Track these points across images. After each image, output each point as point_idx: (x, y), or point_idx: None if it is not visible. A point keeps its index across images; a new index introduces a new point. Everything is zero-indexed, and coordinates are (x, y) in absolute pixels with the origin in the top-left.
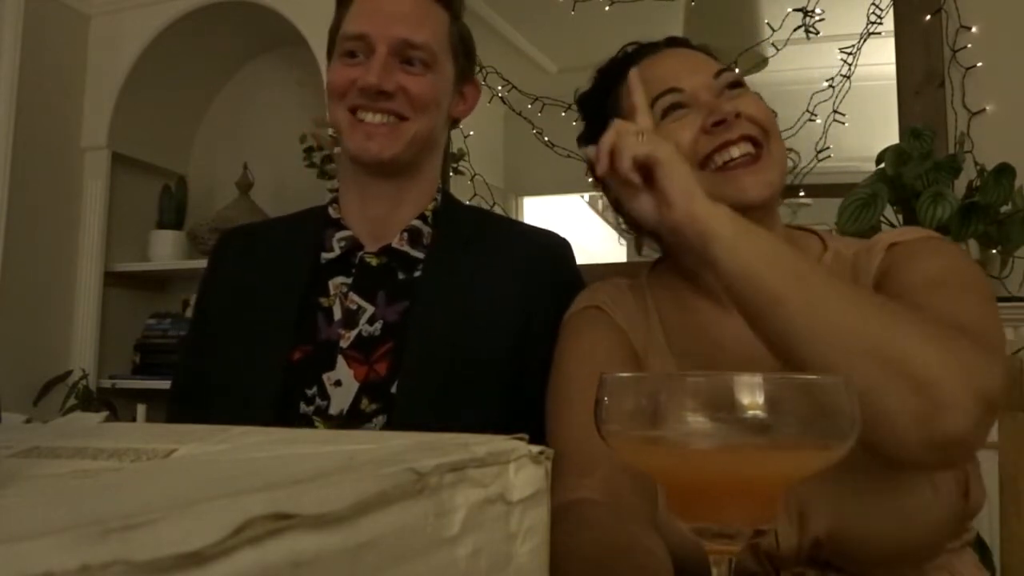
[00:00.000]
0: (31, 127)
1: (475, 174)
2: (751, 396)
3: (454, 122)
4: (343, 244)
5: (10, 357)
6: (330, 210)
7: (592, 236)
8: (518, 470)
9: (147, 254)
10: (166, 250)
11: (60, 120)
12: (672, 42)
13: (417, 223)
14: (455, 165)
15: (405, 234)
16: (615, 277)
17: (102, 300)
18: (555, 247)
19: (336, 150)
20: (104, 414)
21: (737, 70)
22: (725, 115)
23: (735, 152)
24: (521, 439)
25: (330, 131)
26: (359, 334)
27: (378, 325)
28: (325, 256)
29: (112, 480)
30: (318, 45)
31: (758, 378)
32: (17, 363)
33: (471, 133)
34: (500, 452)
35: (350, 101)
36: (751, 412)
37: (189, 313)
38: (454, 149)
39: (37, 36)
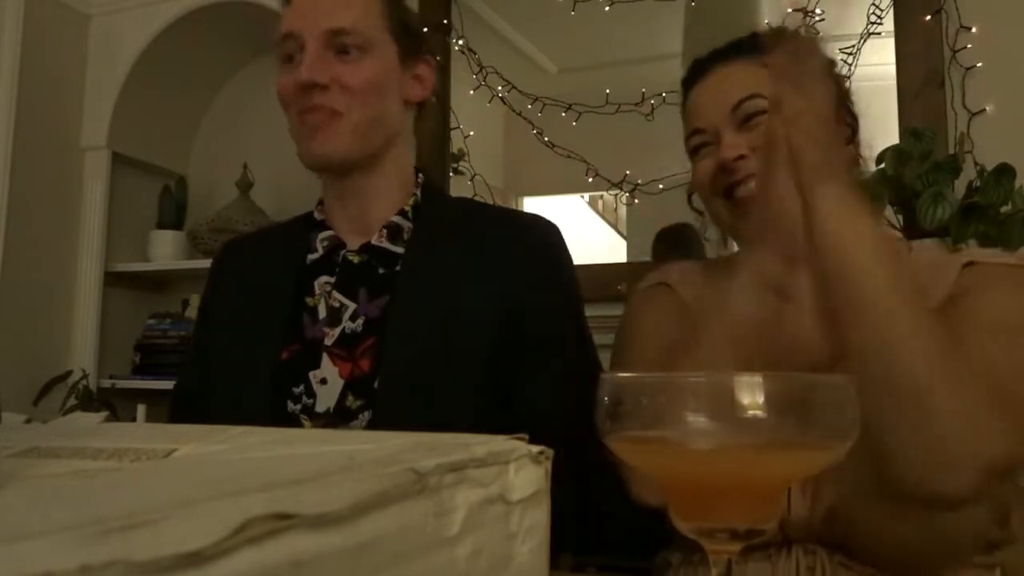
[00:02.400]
0: (31, 127)
1: (475, 174)
2: (751, 396)
3: (418, 107)
4: (325, 243)
5: (10, 357)
6: (315, 213)
7: (592, 236)
8: (518, 470)
9: (147, 254)
10: (166, 250)
11: (60, 120)
12: (724, 54)
13: (397, 219)
14: (455, 165)
15: (384, 230)
16: (686, 262)
17: (102, 300)
18: (540, 232)
19: None
20: (104, 414)
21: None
22: (724, 161)
23: (741, 192)
24: (521, 439)
25: None
26: (343, 331)
27: (360, 321)
28: (310, 257)
29: (112, 480)
30: None
31: (758, 378)
32: (17, 363)
33: (471, 133)
34: (500, 452)
35: (297, 105)
36: (751, 412)
37: (189, 313)
38: (454, 149)
39: (37, 36)
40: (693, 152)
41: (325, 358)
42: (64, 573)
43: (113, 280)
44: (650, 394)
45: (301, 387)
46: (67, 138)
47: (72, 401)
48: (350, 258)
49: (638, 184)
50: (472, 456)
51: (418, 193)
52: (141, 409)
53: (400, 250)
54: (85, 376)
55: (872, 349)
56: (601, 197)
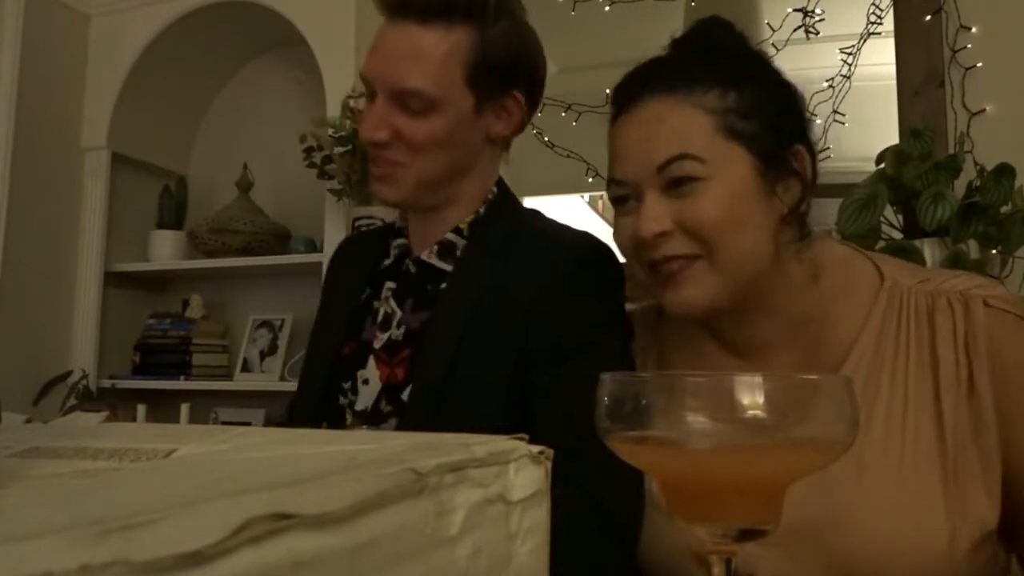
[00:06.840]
0: (31, 127)
1: None
2: (751, 396)
3: (506, 141)
4: (396, 251)
5: (10, 357)
6: (398, 219)
7: None
8: (518, 470)
9: (147, 254)
10: (166, 250)
11: (60, 120)
12: (656, 82)
13: (450, 236)
14: None
15: (435, 247)
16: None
17: (102, 300)
18: (577, 253)
19: (337, 150)
20: (104, 413)
21: (689, 159)
22: (641, 237)
23: (663, 270)
24: (521, 439)
25: (330, 131)
26: (389, 337)
27: (402, 330)
28: (384, 262)
29: (112, 480)
30: (318, 45)
31: (758, 378)
32: (17, 363)
33: None
34: (500, 452)
35: (369, 151)
36: (751, 412)
37: (189, 313)
38: None
39: (37, 36)
40: (613, 201)
41: (371, 360)
42: (64, 573)
43: (113, 280)
44: (650, 394)
45: (350, 383)
46: (67, 138)
47: (72, 401)
48: (410, 267)
49: None
50: (472, 456)
51: (481, 210)
52: (141, 409)
53: (448, 267)
54: (85, 376)
55: None
56: (601, 197)
